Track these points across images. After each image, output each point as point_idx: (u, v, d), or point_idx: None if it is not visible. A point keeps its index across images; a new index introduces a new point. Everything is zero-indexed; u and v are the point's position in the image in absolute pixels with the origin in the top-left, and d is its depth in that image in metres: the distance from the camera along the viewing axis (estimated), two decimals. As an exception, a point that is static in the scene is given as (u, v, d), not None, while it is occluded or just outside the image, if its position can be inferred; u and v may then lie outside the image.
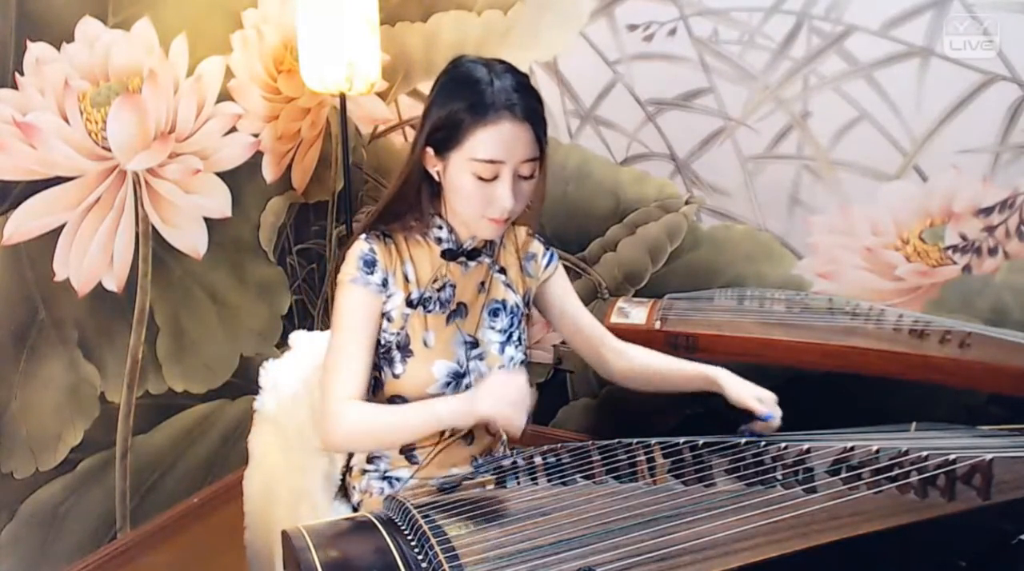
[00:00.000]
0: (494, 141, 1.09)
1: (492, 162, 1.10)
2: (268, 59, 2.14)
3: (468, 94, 1.10)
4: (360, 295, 1.17)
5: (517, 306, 1.29)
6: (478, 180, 1.11)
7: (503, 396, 1.07)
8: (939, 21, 1.76)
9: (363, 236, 1.20)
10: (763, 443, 1.13)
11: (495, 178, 1.11)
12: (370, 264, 1.18)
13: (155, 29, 1.81)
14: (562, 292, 1.37)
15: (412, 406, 1.15)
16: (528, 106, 1.10)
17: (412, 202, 1.20)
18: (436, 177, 1.17)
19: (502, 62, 1.14)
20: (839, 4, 1.83)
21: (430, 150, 1.15)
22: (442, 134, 1.12)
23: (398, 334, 1.20)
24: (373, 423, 1.14)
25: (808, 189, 1.96)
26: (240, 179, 2.10)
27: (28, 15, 1.56)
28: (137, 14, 1.77)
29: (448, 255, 1.23)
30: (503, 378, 1.10)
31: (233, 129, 2.06)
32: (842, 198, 1.94)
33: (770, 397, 1.24)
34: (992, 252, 1.85)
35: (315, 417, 1.29)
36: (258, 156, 2.16)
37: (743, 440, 1.14)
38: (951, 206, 1.86)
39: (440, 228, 1.22)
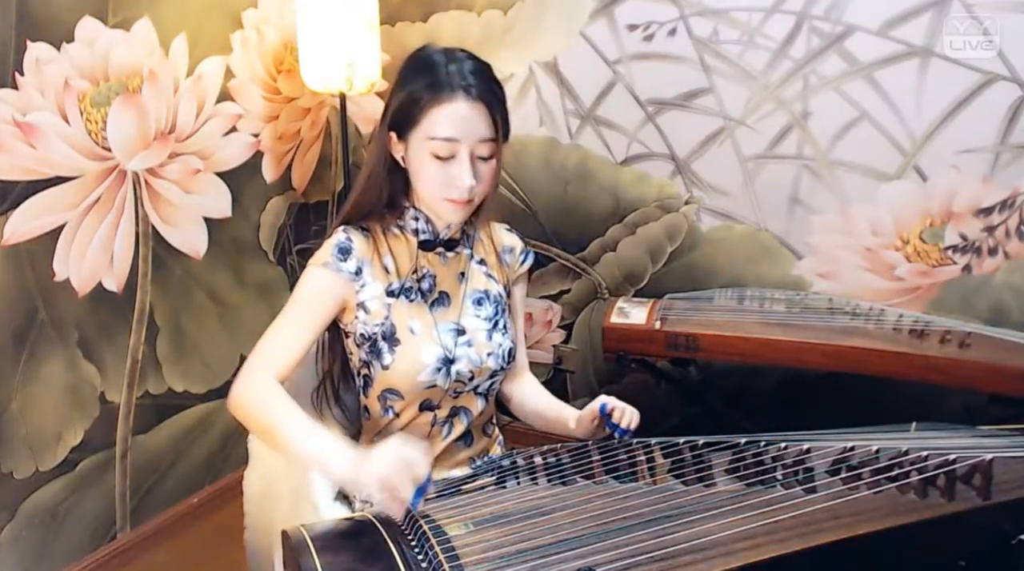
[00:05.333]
0: (450, 119, 1.12)
1: (448, 140, 1.12)
2: (268, 59, 2.14)
3: (425, 75, 1.14)
4: (324, 279, 1.18)
5: (500, 295, 1.30)
6: (437, 159, 1.14)
7: (387, 477, 0.93)
8: (939, 21, 1.76)
9: (341, 227, 1.22)
10: (763, 443, 1.13)
11: (453, 157, 1.13)
12: (345, 251, 1.19)
13: (155, 29, 1.81)
14: (518, 302, 1.38)
15: (310, 430, 1.04)
16: (483, 87, 1.14)
17: (382, 191, 1.22)
18: (401, 163, 1.19)
19: (464, 51, 1.18)
20: (839, 4, 1.83)
21: (393, 135, 1.18)
22: (401, 115, 1.16)
23: (382, 324, 1.20)
24: (265, 414, 1.08)
25: (808, 189, 1.96)
26: (240, 179, 2.10)
27: (28, 15, 1.56)
28: (137, 14, 1.77)
29: (426, 246, 1.24)
30: (396, 456, 0.95)
31: (233, 129, 2.06)
32: (842, 198, 1.94)
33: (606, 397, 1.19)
34: (992, 252, 1.85)
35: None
36: (258, 156, 2.16)
37: (618, 438, 1.15)
38: (951, 206, 1.86)
39: (416, 219, 1.23)
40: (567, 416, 1.26)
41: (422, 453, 0.97)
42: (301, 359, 1.16)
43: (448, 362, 1.21)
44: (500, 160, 1.19)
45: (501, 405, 1.40)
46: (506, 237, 1.35)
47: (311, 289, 1.18)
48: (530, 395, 1.37)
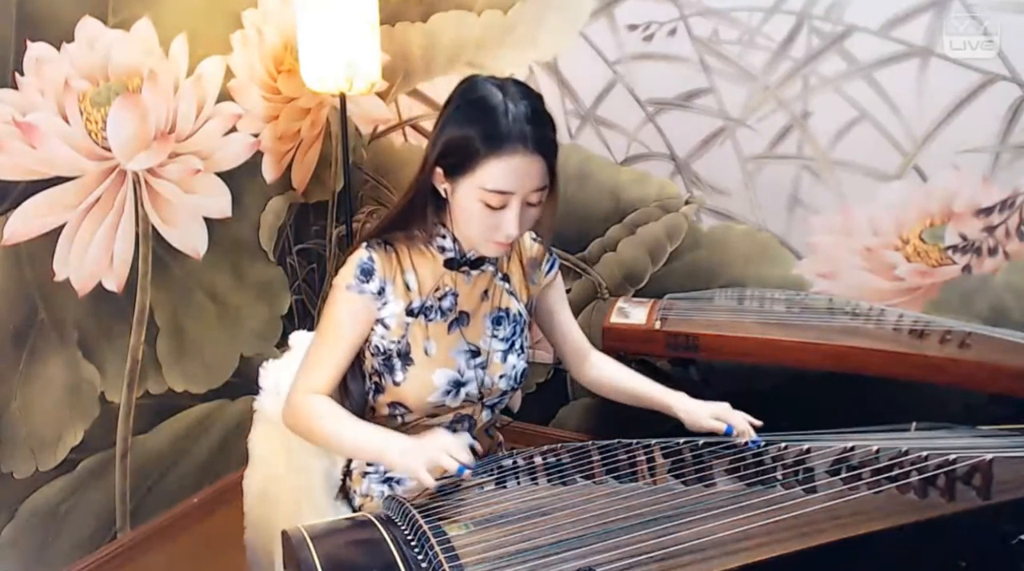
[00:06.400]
0: (505, 173, 1.09)
1: (502, 193, 1.10)
2: (268, 59, 2.14)
3: (482, 121, 1.09)
4: (350, 302, 1.18)
5: (520, 314, 1.29)
6: (486, 207, 1.11)
7: (424, 460, 1.05)
8: (939, 21, 1.76)
9: (364, 244, 1.20)
10: (763, 443, 1.13)
11: (503, 207, 1.11)
12: (367, 273, 1.18)
13: (155, 29, 1.81)
14: (558, 300, 1.38)
15: (363, 431, 1.15)
16: (541, 136, 1.10)
17: (419, 215, 1.20)
18: (443, 193, 1.17)
19: (516, 83, 1.13)
20: (839, 4, 1.83)
21: (440, 170, 1.15)
22: (453, 159, 1.12)
23: (399, 342, 1.20)
24: (315, 432, 1.17)
25: (808, 189, 1.96)
26: (240, 179, 2.10)
27: (28, 15, 1.56)
28: (137, 14, 1.77)
29: (451, 265, 1.23)
30: (440, 442, 1.07)
31: (233, 129, 2.06)
32: (842, 198, 1.94)
33: (723, 410, 1.24)
34: (992, 252, 1.85)
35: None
36: (258, 156, 2.16)
37: (742, 442, 1.14)
38: (951, 206, 1.86)
39: (444, 237, 1.21)
40: (668, 402, 1.29)
41: (465, 444, 1.07)
42: (338, 378, 1.21)
43: (459, 385, 1.22)
44: (557, 194, 1.17)
45: (505, 408, 1.41)
46: (532, 249, 1.34)
47: (339, 314, 1.19)
48: (608, 376, 1.41)
